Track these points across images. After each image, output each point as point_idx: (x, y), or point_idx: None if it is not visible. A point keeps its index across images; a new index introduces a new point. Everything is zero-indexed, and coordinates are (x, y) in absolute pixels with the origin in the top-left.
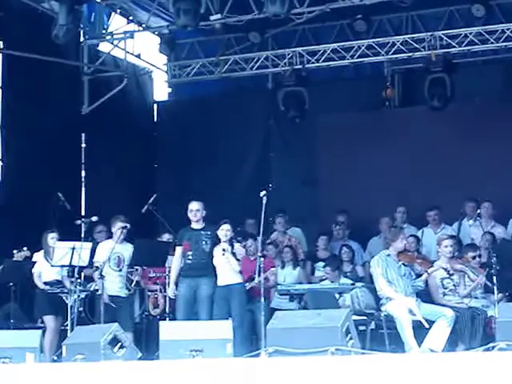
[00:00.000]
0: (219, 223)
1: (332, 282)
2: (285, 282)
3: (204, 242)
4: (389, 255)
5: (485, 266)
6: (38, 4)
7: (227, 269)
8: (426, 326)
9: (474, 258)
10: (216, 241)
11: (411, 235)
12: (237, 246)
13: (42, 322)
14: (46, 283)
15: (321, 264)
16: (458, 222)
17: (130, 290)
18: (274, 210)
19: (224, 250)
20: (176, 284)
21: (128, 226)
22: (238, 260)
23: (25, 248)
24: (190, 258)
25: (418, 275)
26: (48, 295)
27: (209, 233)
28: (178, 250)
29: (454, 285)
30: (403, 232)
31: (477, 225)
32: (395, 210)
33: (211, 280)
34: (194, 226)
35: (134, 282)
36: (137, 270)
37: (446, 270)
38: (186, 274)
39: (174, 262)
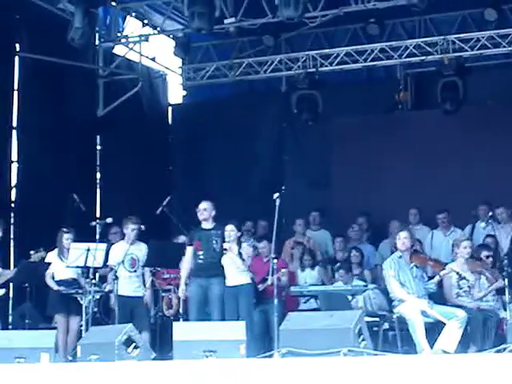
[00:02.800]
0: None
1: (345, 283)
2: (306, 283)
3: (214, 242)
4: (401, 257)
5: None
6: (54, 7)
7: (233, 269)
8: (445, 321)
9: (487, 257)
10: (224, 242)
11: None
12: (244, 245)
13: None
14: (60, 282)
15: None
16: (471, 224)
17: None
18: (288, 212)
19: (225, 249)
20: (187, 284)
21: (143, 227)
22: (243, 260)
23: (41, 249)
24: (201, 257)
25: (430, 277)
26: (61, 294)
27: (219, 232)
28: (189, 250)
29: (469, 286)
30: (400, 232)
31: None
32: (407, 212)
33: (222, 280)
34: (205, 225)
35: (149, 283)
36: (150, 271)
37: (458, 273)
38: (197, 274)
39: (185, 263)
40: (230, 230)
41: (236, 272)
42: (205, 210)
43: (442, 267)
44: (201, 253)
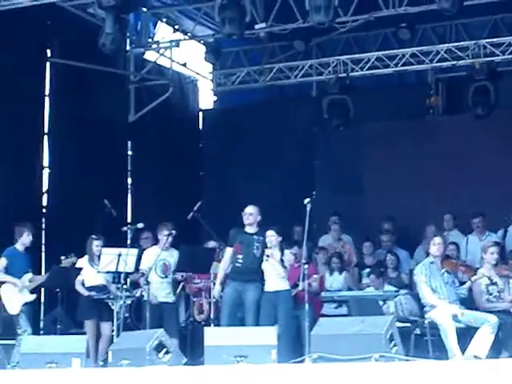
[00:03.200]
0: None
1: (376, 289)
2: (331, 287)
3: (255, 247)
4: (432, 263)
5: None
6: (85, 13)
7: (274, 275)
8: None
9: None
10: (264, 248)
11: (451, 242)
12: (286, 252)
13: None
14: (91, 288)
15: (367, 271)
16: (502, 229)
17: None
18: (319, 217)
19: (268, 256)
20: (222, 285)
21: (174, 232)
22: (284, 267)
23: (72, 254)
24: (240, 261)
25: (462, 283)
26: (91, 300)
27: (261, 238)
28: (229, 251)
29: (498, 291)
30: (434, 238)
31: None
32: (440, 218)
33: (259, 286)
34: (248, 229)
35: (180, 287)
36: (182, 276)
37: (489, 278)
38: (234, 277)
39: (223, 263)
40: (271, 236)
41: (276, 278)
42: (250, 215)
43: (474, 272)
44: (240, 256)
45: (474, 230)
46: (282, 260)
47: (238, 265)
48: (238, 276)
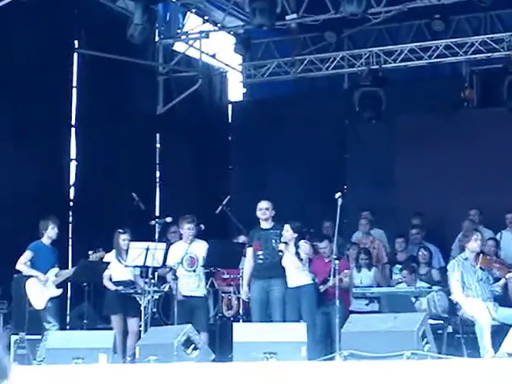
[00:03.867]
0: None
1: (408, 285)
2: (362, 283)
3: (274, 241)
4: (466, 259)
5: None
6: (113, 3)
7: (293, 269)
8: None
9: None
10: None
11: (490, 238)
12: (301, 243)
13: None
14: (118, 283)
15: (398, 267)
16: None
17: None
18: (350, 211)
19: (281, 250)
20: (249, 286)
21: (202, 226)
22: (300, 259)
23: (100, 249)
24: (261, 257)
25: (497, 279)
26: (118, 294)
27: (278, 231)
28: (249, 250)
29: None
30: (476, 233)
31: None
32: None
33: (283, 281)
34: (264, 225)
35: (209, 283)
36: (211, 270)
37: None
38: (258, 275)
39: (246, 264)
40: (285, 231)
41: (296, 272)
42: (267, 210)
43: (508, 270)
44: (260, 253)
45: (508, 225)
46: (297, 253)
47: (259, 261)
48: (262, 273)
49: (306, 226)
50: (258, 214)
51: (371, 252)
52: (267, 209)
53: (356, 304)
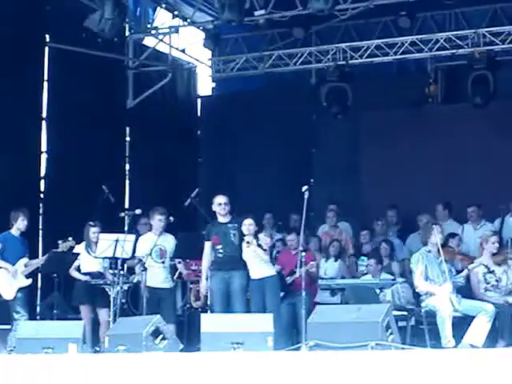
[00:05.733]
0: (242, 218)
1: (373, 276)
2: (326, 274)
3: (232, 235)
4: (429, 251)
5: None
6: None
7: (257, 261)
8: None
9: None
10: (242, 234)
11: (451, 233)
12: (261, 236)
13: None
14: (87, 274)
15: (364, 259)
16: (500, 218)
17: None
18: (317, 205)
19: (248, 242)
20: (208, 279)
21: (171, 218)
22: (264, 250)
23: (70, 238)
24: (221, 251)
25: (459, 272)
26: (87, 285)
27: (236, 225)
28: (207, 245)
29: (496, 280)
30: (436, 226)
31: None
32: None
33: (243, 273)
34: (221, 219)
35: (177, 274)
36: (179, 262)
37: (486, 266)
38: (219, 267)
39: (204, 258)
40: (249, 225)
41: (260, 264)
42: (226, 205)
43: (471, 261)
44: (219, 247)
45: (469, 219)
46: (259, 245)
47: (219, 255)
48: (222, 265)
49: (274, 218)
50: (217, 208)
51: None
52: (226, 203)
53: (322, 296)
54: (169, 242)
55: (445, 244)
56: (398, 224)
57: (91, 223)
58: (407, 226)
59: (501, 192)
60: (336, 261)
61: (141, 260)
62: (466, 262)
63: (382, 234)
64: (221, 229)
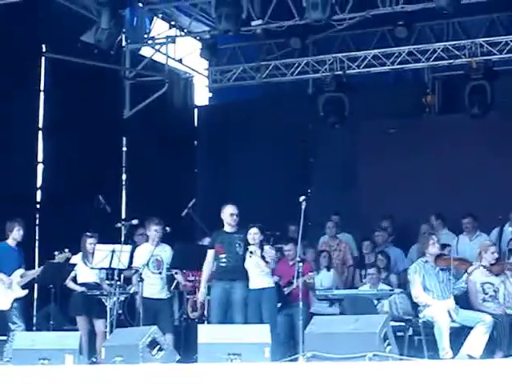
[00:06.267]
0: (248, 227)
1: (371, 287)
2: (322, 286)
3: (237, 245)
4: (426, 262)
5: None
6: (81, 8)
7: (258, 272)
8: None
9: None
10: (247, 244)
11: (443, 244)
12: (266, 248)
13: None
14: (83, 285)
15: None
16: (498, 228)
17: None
18: (314, 215)
19: (251, 252)
20: (207, 287)
21: (168, 229)
22: (266, 262)
23: (66, 250)
24: (224, 261)
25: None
26: (84, 296)
27: (242, 236)
28: (211, 253)
29: (494, 290)
30: (432, 237)
31: None
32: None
33: (245, 283)
34: (228, 229)
35: (174, 285)
36: (176, 273)
37: (485, 267)
38: (220, 276)
39: (206, 266)
40: (254, 234)
41: (259, 275)
42: (237, 216)
43: (469, 264)
44: (223, 256)
45: (464, 230)
46: (263, 256)
47: (222, 265)
48: (224, 275)
49: (271, 229)
50: (229, 219)
51: (335, 254)
52: (237, 214)
53: (318, 306)
54: (166, 252)
55: (441, 253)
56: (392, 234)
57: (88, 234)
58: (406, 236)
59: (498, 203)
60: (329, 270)
61: (137, 270)
62: (464, 266)
63: (382, 245)
64: (226, 238)
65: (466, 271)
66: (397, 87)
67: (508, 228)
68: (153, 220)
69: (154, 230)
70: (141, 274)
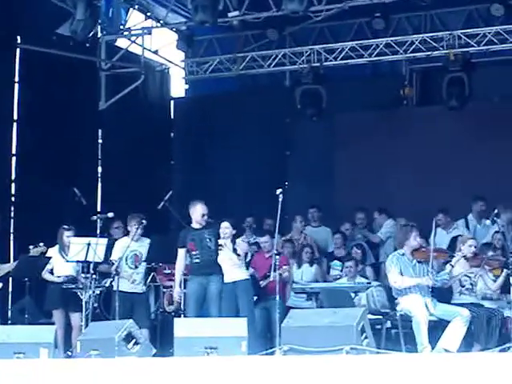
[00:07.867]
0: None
1: (348, 280)
2: (302, 280)
3: (208, 240)
4: (403, 254)
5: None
6: None
7: (231, 265)
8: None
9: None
10: (218, 239)
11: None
12: (238, 241)
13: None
14: (60, 278)
15: (337, 263)
16: (463, 219)
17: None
18: (291, 208)
19: (221, 245)
20: (181, 284)
21: (144, 222)
22: (238, 255)
23: (41, 244)
24: (198, 257)
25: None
26: (60, 289)
27: (211, 230)
28: (182, 252)
29: (471, 283)
30: (415, 230)
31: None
32: (411, 209)
33: (220, 277)
34: (196, 226)
35: (150, 278)
36: (152, 266)
37: (466, 258)
38: (196, 273)
39: (178, 264)
40: (225, 228)
41: (233, 268)
42: (207, 216)
43: (447, 254)
44: (196, 253)
45: (439, 225)
46: (235, 249)
47: (196, 261)
48: (200, 271)
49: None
50: (199, 218)
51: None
52: (207, 214)
53: (295, 300)
54: (144, 246)
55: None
56: (366, 227)
57: (65, 227)
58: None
59: (473, 193)
60: (311, 266)
61: (114, 264)
62: (443, 256)
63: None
64: (196, 235)
65: (450, 263)
66: (374, 79)
67: (485, 222)
68: (137, 215)
69: (135, 226)
70: (118, 267)
